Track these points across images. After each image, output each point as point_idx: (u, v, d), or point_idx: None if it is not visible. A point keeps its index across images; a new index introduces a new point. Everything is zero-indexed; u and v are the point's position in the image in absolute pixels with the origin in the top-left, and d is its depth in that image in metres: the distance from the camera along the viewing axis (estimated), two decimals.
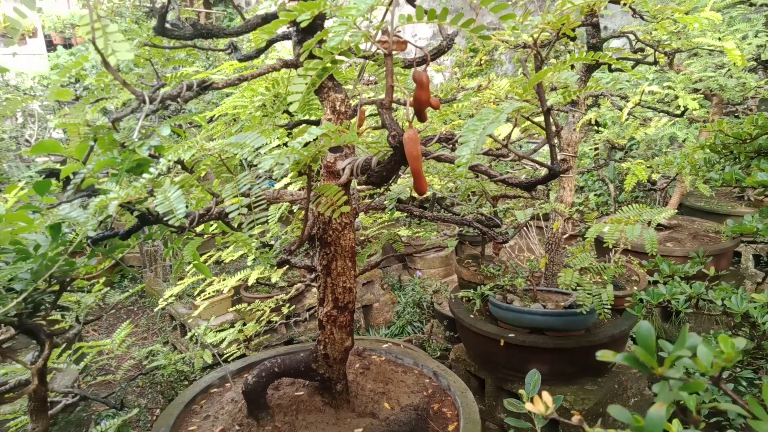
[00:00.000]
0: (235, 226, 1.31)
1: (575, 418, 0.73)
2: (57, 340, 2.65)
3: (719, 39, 3.02)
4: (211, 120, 2.77)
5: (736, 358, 0.57)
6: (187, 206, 1.67)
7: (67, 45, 10.08)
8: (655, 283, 1.50)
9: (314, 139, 1.19)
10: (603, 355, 0.61)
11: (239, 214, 1.26)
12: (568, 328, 2.67)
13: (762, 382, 1.57)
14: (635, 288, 3.00)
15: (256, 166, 1.24)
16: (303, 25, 1.03)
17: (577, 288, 2.51)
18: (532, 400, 0.87)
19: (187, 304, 4.37)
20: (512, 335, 2.72)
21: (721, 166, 1.44)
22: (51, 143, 1.35)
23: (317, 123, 2.12)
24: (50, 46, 10.35)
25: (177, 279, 3.07)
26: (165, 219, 1.16)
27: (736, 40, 3.11)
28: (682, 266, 1.51)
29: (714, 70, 3.94)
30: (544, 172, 1.40)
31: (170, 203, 1.19)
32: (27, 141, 6.56)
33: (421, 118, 1.19)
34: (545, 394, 0.89)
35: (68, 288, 2.01)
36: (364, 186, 2.19)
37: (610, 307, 2.40)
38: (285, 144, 2.75)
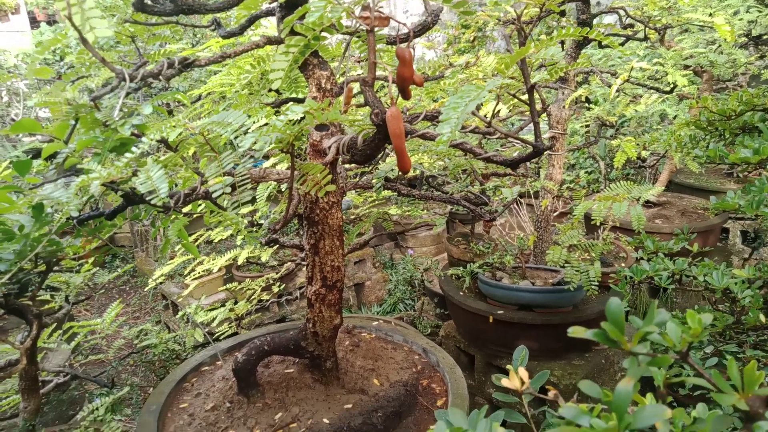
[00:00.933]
0: (222, 205, 1.30)
1: (551, 393, 0.74)
2: (46, 320, 2.65)
3: (710, 15, 3.00)
4: (199, 98, 2.74)
5: (703, 334, 0.57)
6: (175, 185, 1.66)
7: (51, 22, 9.87)
8: (640, 260, 1.51)
9: (301, 118, 1.18)
10: (574, 331, 0.62)
11: (224, 194, 1.25)
12: (556, 305, 2.70)
13: (746, 355, 1.60)
14: (623, 265, 3.03)
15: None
16: (282, 0, 1.01)
17: (565, 265, 2.53)
18: (509, 376, 0.88)
19: (178, 284, 4.37)
20: (501, 312, 2.75)
21: (706, 143, 1.44)
22: (30, 122, 1.33)
23: (303, 101, 2.10)
24: (34, 22, 10.13)
25: (165, 259, 3.06)
26: (148, 199, 1.15)
27: (726, 16, 3.10)
28: (666, 243, 1.52)
29: (705, 46, 3.93)
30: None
31: (153, 183, 1.18)
32: (12, 120, 6.46)
33: (405, 95, 1.17)
34: (521, 370, 0.90)
35: (56, 268, 2.00)
36: (353, 164, 2.18)
37: (597, 283, 2.43)
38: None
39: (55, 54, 4.96)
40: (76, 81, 1.54)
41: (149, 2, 1.42)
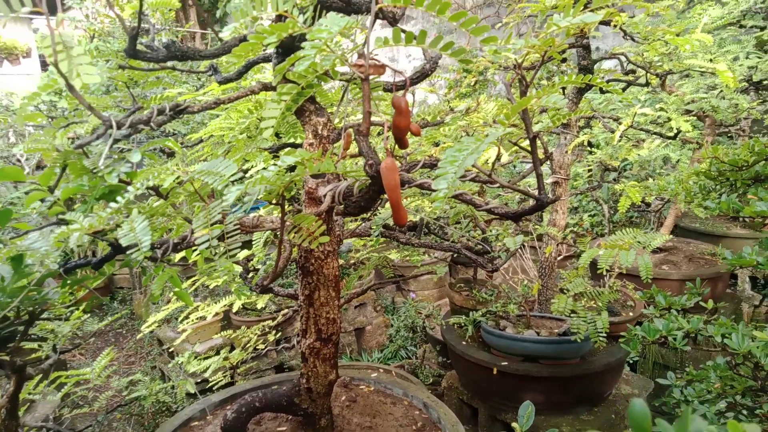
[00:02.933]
0: (206, 257, 1.23)
1: None
2: (30, 371, 2.55)
3: (710, 60, 3.00)
4: (200, 141, 2.71)
5: None
6: (169, 230, 1.60)
7: None
8: (651, 318, 1.43)
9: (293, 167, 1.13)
10: None
11: (211, 246, 1.19)
12: (563, 356, 2.59)
13: (763, 410, 1.50)
14: (630, 313, 2.93)
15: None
16: (270, 48, 0.97)
17: (572, 315, 2.44)
18: None
19: (174, 328, 4.26)
20: (505, 363, 2.63)
21: (718, 193, 1.38)
22: (13, 170, 1.28)
23: (301, 146, 2.06)
24: (45, 66, 10.34)
25: (147, 314, 2.98)
26: (129, 253, 1.09)
27: (727, 62, 3.09)
28: (679, 298, 1.44)
29: (706, 91, 3.93)
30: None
31: (135, 235, 1.11)
32: (18, 161, 6.48)
33: (402, 145, 1.12)
34: None
35: (39, 318, 1.92)
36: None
37: (605, 335, 2.32)
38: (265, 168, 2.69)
39: (58, 95, 5.00)
40: (65, 127, 1.50)
41: (143, 49, 1.39)
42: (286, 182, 1.03)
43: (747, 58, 3.91)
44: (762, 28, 4.46)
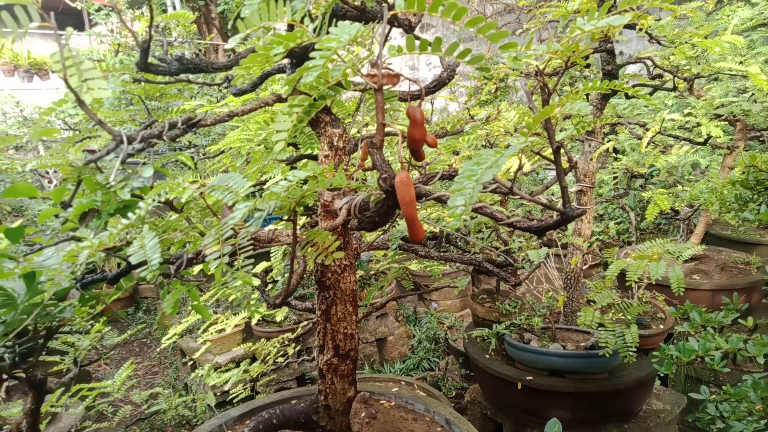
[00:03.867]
0: (216, 274, 1.20)
1: None
2: (51, 385, 2.56)
3: (740, 63, 2.89)
4: (220, 152, 2.71)
5: None
6: (186, 244, 1.58)
7: None
8: (687, 336, 1.35)
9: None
10: None
11: (222, 262, 1.15)
12: (590, 371, 2.49)
13: None
14: (661, 326, 2.82)
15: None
16: (277, 58, 0.94)
17: (599, 328, 2.35)
18: None
19: (196, 338, 4.27)
20: (530, 378, 2.55)
21: (756, 203, 1.30)
22: (25, 187, 1.27)
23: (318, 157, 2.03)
24: None
25: (162, 330, 2.98)
26: (138, 271, 1.06)
27: (759, 64, 2.98)
28: (715, 315, 1.36)
29: (736, 94, 3.79)
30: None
31: (145, 252, 1.09)
32: (46, 173, 6.61)
33: (417, 157, 1.08)
34: None
35: (58, 332, 1.92)
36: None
37: (635, 349, 2.23)
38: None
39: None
40: (80, 142, 1.49)
41: (155, 62, 1.38)
42: (297, 197, 0.99)
43: None
44: None
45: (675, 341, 3.47)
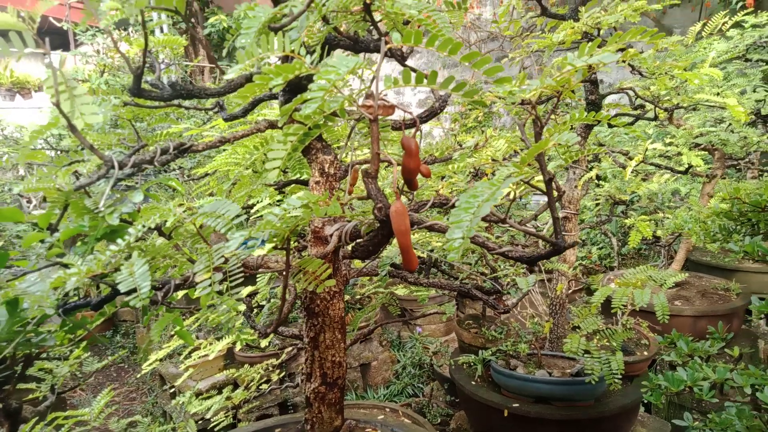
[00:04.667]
0: (203, 300, 1.18)
1: None
2: (26, 414, 2.47)
3: (718, 94, 2.98)
4: (206, 175, 2.69)
5: None
6: (166, 271, 1.56)
7: None
8: (675, 365, 1.36)
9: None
10: None
11: (213, 291, 1.14)
12: (576, 398, 2.49)
13: None
14: (645, 353, 2.84)
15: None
16: (276, 90, 0.95)
17: (585, 355, 2.35)
18: None
19: (176, 363, 4.18)
20: (516, 405, 2.54)
21: (740, 234, 1.33)
22: (12, 211, 1.25)
23: (308, 183, 2.03)
24: None
25: (145, 359, 2.92)
26: (127, 299, 1.05)
27: (735, 96, 3.07)
28: (702, 344, 1.37)
29: (713, 123, 3.90)
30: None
31: (134, 280, 1.07)
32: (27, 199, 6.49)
33: (411, 186, 1.09)
34: None
35: (37, 358, 1.87)
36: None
37: (621, 376, 2.24)
38: (279, 201, 2.66)
39: (66, 131, 5.01)
40: (67, 165, 1.48)
41: (148, 87, 1.37)
42: (292, 226, 0.99)
43: (754, 91, 3.89)
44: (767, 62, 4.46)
45: (659, 367, 3.49)
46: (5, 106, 9.89)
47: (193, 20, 9.75)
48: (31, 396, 2.64)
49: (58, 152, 5.40)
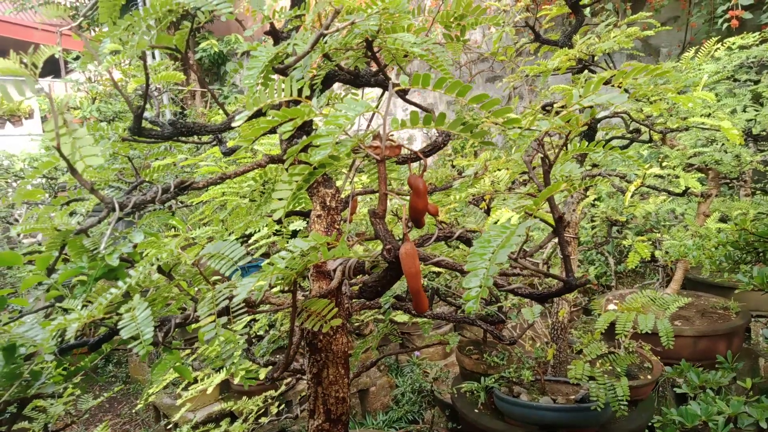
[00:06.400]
0: (200, 336, 1.16)
1: None
2: None
3: (709, 115, 3.02)
4: (201, 203, 2.67)
5: None
6: (166, 309, 1.53)
7: None
8: (688, 398, 1.34)
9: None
10: None
11: (219, 335, 1.11)
12: (582, 425, 2.46)
13: None
14: (649, 376, 2.82)
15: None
16: (285, 137, 0.94)
17: (590, 381, 2.33)
18: None
19: (171, 394, 4.10)
20: None
21: (748, 265, 1.33)
22: (9, 255, 1.22)
23: (307, 214, 2.01)
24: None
25: (146, 399, 2.87)
26: (130, 346, 1.02)
27: (728, 118, 3.11)
28: (713, 375, 1.36)
29: (705, 143, 3.94)
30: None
31: (137, 325, 1.05)
32: (16, 221, 6.42)
33: (419, 225, 1.08)
34: None
35: (33, 398, 1.83)
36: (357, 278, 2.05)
37: (626, 402, 2.21)
38: (277, 232, 2.63)
39: (60, 172, 4.97)
40: (66, 204, 1.46)
41: (148, 125, 1.36)
42: (299, 269, 0.97)
43: (744, 111, 3.94)
44: (756, 82, 4.53)
45: (661, 389, 3.46)
46: None
47: None
48: None
49: (52, 179, 5.36)
